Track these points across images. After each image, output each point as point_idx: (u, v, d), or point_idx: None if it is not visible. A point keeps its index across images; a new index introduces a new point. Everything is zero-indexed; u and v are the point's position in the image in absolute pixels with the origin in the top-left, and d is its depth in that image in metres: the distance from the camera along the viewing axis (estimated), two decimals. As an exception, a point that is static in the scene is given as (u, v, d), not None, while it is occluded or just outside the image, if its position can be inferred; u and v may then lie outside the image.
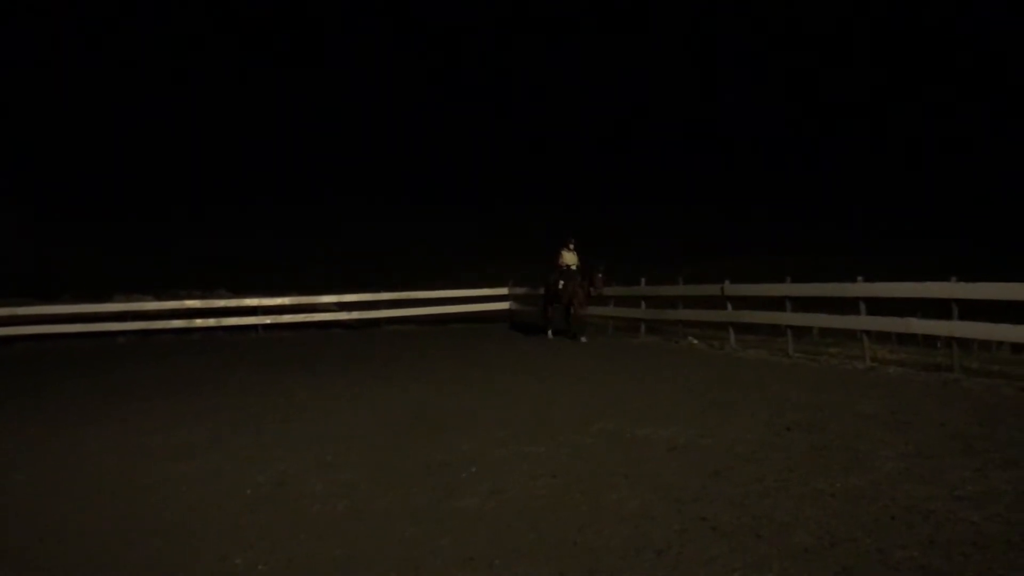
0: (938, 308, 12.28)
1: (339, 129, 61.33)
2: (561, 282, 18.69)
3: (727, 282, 16.16)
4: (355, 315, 24.36)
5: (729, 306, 16.13)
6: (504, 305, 25.42)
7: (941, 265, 13.57)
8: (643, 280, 18.79)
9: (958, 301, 11.27)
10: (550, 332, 19.34)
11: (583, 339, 17.98)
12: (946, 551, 4.54)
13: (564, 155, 58.33)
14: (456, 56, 67.53)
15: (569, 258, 18.92)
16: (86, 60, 62.06)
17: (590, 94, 65.54)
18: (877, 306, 13.07)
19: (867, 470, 6.36)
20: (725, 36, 64.64)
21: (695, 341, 16.81)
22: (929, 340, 15.24)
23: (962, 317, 11.31)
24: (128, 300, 25.38)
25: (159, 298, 26.22)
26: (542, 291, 20.27)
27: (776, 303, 15.02)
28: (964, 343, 11.94)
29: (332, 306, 24.97)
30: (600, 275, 18.35)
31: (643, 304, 18.66)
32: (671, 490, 6.04)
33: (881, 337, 13.95)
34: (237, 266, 36.64)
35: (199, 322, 23.46)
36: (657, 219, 45.91)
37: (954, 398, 9.61)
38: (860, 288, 12.86)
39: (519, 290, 24.98)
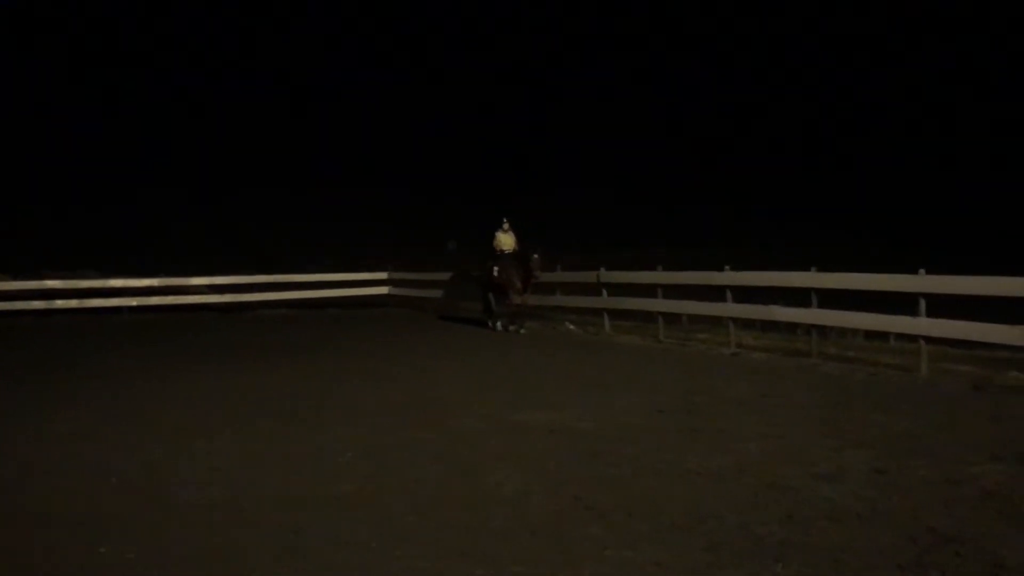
0: (802, 297, 12.96)
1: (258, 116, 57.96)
2: (496, 268, 17.10)
3: (602, 269, 16.53)
4: (227, 298, 23.66)
5: (605, 293, 16.51)
6: (383, 290, 25.22)
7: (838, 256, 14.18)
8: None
9: (818, 290, 11.89)
10: (497, 324, 17.32)
11: (522, 331, 16.52)
12: (804, 526, 4.82)
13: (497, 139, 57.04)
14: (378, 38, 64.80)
15: (505, 241, 17.41)
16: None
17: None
18: (746, 294, 13.67)
19: (733, 450, 6.68)
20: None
21: (572, 327, 17.14)
22: (790, 327, 16.05)
23: (822, 305, 11.95)
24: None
25: (16, 279, 24.69)
26: (477, 275, 18.55)
27: (648, 290, 15.48)
28: (823, 330, 12.60)
29: (204, 288, 24.13)
30: (536, 256, 16.67)
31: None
32: (549, 472, 6.17)
33: (747, 324, 14.56)
34: (115, 247, 34.84)
35: (60, 303, 22.28)
36: (587, 206, 46.06)
37: (813, 382, 10.17)
38: (727, 277, 13.42)
39: (400, 275, 24.85)
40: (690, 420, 7.95)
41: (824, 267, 12.10)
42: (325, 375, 11.40)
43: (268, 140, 55.33)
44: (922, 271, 10.35)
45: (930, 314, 10.40)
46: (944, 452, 6.48)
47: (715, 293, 14.39)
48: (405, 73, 64.63)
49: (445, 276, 22.74)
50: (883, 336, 15.72)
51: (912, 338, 12.00)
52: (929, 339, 10.51)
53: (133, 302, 22.79)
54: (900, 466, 6.06)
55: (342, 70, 65.85)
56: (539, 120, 59.53)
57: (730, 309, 13.36)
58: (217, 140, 54.08)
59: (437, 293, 22.97)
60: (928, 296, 10.35)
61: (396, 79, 63.20)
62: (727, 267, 13.43)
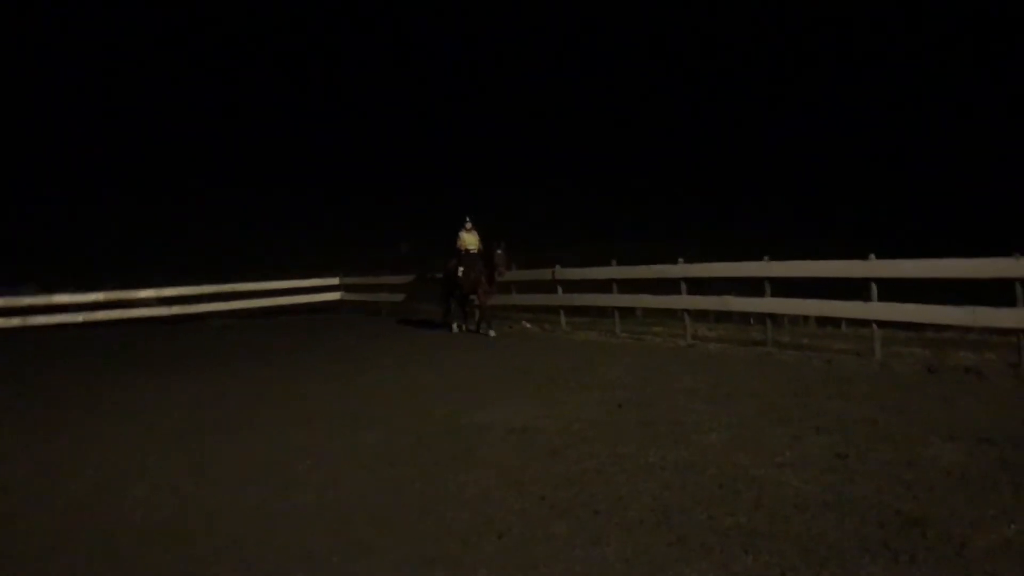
0: (754, 287, 13.06)
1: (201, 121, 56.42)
2: (461, 268, 16.50)
3: (557, 266, 16.49)
4: (176, 310, 23.16)
5: (560, 290, 16.47)
6: (335, 295, 24.92)
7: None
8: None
9: (771, 279, 11.97)
10: (454, 326, 17.07)
11: (491, 333, 15.82)
12: (770, 515, 4.79)
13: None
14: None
15: (469, 240, 16.85)
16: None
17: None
18: (700, 287, 13.74)
19: (694, 442, 6.64)
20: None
21: (528, 325, 17.07)
22: (743, 317, 16.19)
23: (775, 295, 12.04)
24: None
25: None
26: (440, 277, 17.99)
27: (604, 286, 15.46)
28: (776, 319, 12.72)
29: (151, 301, 23.57)
30: (500, 252, 16.09)
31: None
32: (511, 472, 6.07)
33: (700, 316, 14.63)
34: (59, 260, 33.89)
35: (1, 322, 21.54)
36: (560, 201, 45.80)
37: (770, 371, 10.21)
38: (680, 269, 13.45)
39: (352, 279, 24.58)
40: (649, 414, 7.90)
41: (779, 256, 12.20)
42: (277, 383, 11.15)
43: (211, 143, 54.28)
44: (872, 256, 10.47)
45: (881, 299, 10.54)
46: (903, 435, 6.52)
47: (670, 286, 14.44)
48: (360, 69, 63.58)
49: (400, 279, 22.50)
50: (835, 323, 15.98)
51: (864, 323, 12.18)
52: (882, 323, 10.62)
53: (79, 318, 22.18)
54: (861, 451, 6.08)
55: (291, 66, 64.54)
56: (500, 116, 58.88)
57: (685, 301, 13.40)
58: (158, 143, 52.85)
59: (392, 297, 22.74)
60: (879, 281, 10.46)
61: (351, 75, 62.16)
62: (680, 259, 13.45)
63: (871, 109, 50.63)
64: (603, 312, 16.61)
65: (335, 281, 24.99)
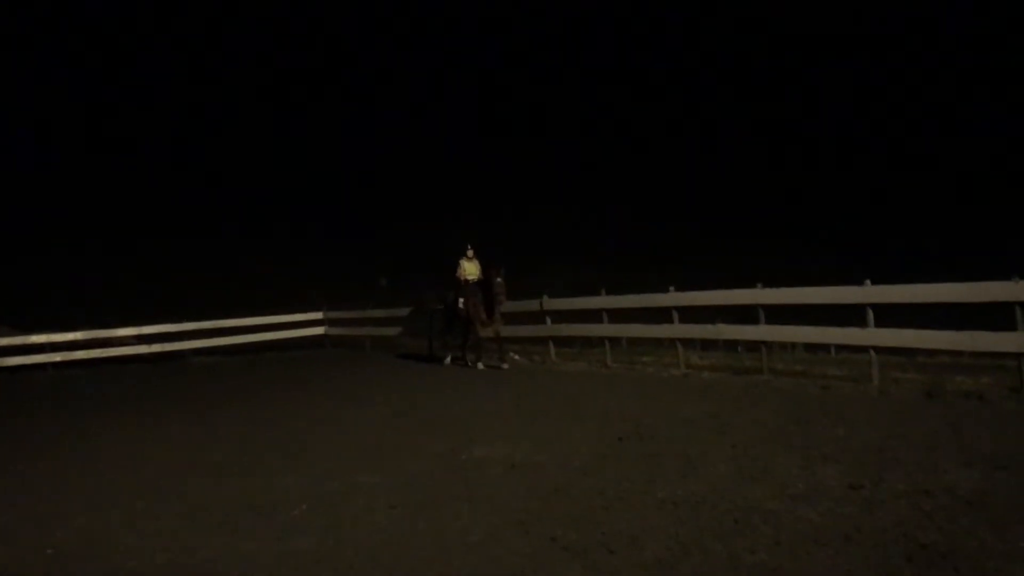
0: (742, 314, 12.98)
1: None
2: (461, 300, 15.84)
3: (545, 296, 16.34)
4: (156, 348, 22.79)
5: (548, 320, 16.32)
6: (319, 330, 24.61)
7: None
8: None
9: (764, 306, 11.88)
10: (447, 359, 16.53)
11: (505, 366, 15.12)
12: (792, 551, 4.62)
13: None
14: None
15: (470, 269, 16.09)
16: None
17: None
18: (687, 315, 13.61)
19: (702, 475, 6.47)
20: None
21: (516, 356, 16.86)
22: (730, 344, 16.09)
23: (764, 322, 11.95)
24: None
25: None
26: (440, 308, 17.33)
27: (593, 315, 15.32)
28: (767, 345, 12.60)
29: (131, 339, 23.19)
30: (499, 279, 15.36)
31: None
32: (515, 511, 5.86)
33: (686, 344, 14.47)
34: (29, 299, 33.31)
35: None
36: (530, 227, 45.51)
37: (767, 398, 10.08)
38: (671, 298, 13.34)
39: (336, 314, 24.30)
40: (652, 446, 7.73)
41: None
42: (263, 422, 10.86)
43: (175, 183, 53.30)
44: (867, 282, 10.40)
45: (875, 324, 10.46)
46: (913, 462, 6.39)
47: (655, 315, 14.32)
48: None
49: (385, 313, 22.26)
50: (825, 348, 15.93)
51: (855, 349, 12.11)
52: (878, 349, 10.53)
53: (57, 358, 21.77)
54: (874, 480, 5.94)
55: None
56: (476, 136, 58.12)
57: (678, 330, 13.27)
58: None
59: (377, 331, 22.49)
60: (874, 306, 10.39)
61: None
62: (671, 288, 13.34)
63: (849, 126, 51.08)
64: (590, 342, 16.47)
65: (319, 315, 24.67)
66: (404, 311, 21.11)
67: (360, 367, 18.05)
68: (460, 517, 5.81)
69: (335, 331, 24.25)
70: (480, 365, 15.62)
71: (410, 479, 7.11)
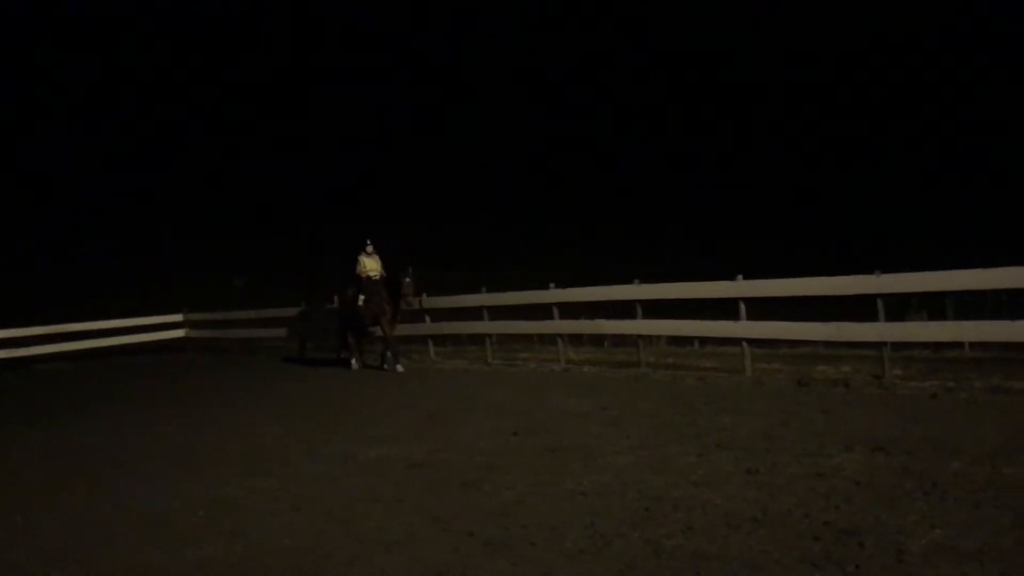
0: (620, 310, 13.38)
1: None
2: (362, 297, 15.23)
3: (424, 295, 16.28)
4: (-1, 354, 21.25)
5: (428, 319, 16.28)
6: (179, 333, 23.65)
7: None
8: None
9: (641, 302, 12.28)
10: (353, 362, 15.86)
11: (399, 367, 14.69)
12: (707, 534, 4.81)
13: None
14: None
15: (371, 265, 15.50)
16: None
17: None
18: (567, 311, 13.92)
19: (605, 466, 6.64)
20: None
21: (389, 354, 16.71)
22: (596, 339, 16.47)
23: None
24: None
25: None
26: (336, 307, 16.88)
27: (475, 313, 15.39)
28: (631, 339, 13.04)
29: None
30: (408, 280, 14.92)
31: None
32: (428, 509, 5.83)
33: (551, 340, 14.65)
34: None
35: None
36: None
37: (650, 391, 10.45)
38: (552, 295, 13.59)
39: (198, 315, 23.40)
40: (548, 439, 7.86)
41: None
42: (129, 428, 10.35)
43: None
44: (739, 277, 10.91)
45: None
46: (799, 447, 6.78)
47: (535, 312, 14.58)
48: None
49: (249, 315, 21.63)
50: (689, 341, 16.58)
51: (721, 341, 12.72)
52: (750, 341, 11.07)
53: None
54: (767, 465, 6.25)
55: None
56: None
57: (561, 326, 13.55)
58: None
59: (243, 333, 21.82)
60: (746, 300, 10.92)
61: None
62: (552, 285, 13.59)
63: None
64: (467, 339, 16.59)
65: (178, 318, 23.69)
66: (275, 312, 20.60)
67: (225, 369, 17.51)
68: (372, 518, 5.73)
69: (197, 334, 23.37)
70: (355, 363, 15.53)
71: (310, 481, 6.97)
